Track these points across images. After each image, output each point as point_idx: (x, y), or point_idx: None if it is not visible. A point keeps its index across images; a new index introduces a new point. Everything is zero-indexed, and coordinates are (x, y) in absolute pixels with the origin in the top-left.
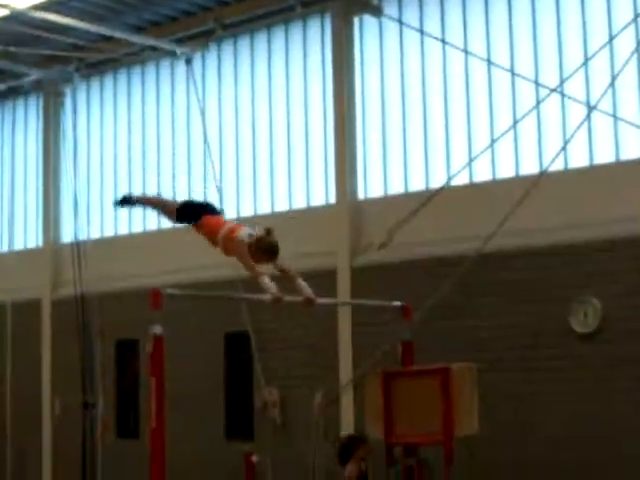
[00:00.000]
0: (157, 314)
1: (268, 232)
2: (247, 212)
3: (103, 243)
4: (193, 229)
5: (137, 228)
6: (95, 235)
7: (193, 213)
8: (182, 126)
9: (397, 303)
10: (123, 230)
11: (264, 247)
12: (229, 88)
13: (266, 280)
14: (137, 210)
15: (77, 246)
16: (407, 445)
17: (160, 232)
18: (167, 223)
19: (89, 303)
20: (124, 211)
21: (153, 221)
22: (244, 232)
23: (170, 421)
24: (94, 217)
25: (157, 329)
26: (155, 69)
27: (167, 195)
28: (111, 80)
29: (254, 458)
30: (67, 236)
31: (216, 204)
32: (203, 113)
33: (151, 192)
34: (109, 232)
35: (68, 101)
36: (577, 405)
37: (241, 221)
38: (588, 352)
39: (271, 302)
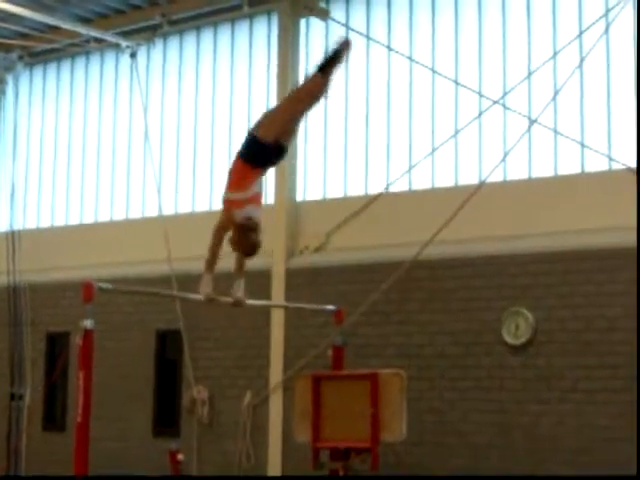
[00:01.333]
0: (89, 307)
1: (255, 229)
2: (185, 209)
3: (38, 233)
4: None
5: (73, 220)
6: (31, 225)
7: (257, 153)
8: (124, 120)
9: (330, 307)
10: (59, 221)
11: (246, 243)
12: (172, 84)
13: (207, 277)
14: (73, 202)
15: (12, 235)
16: (334, 449)
17: (96, 225)
18: (104, 216)
19: (21, 293)
20: (60, 202)
21: (89, 214)
22: (244, 211)
23: (97, 415)
24: (30, 207)
25: (88, 323)
26: (99, 61)
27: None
28: (54, 70)
29: (180, 456)
30: (2, 225)
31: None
32: (145, 108)
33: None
34: (45, 223)
35: (9, 89)
36: (504, 415)
37: (178, 218)
38: (517, 364)
39: (203, 300)
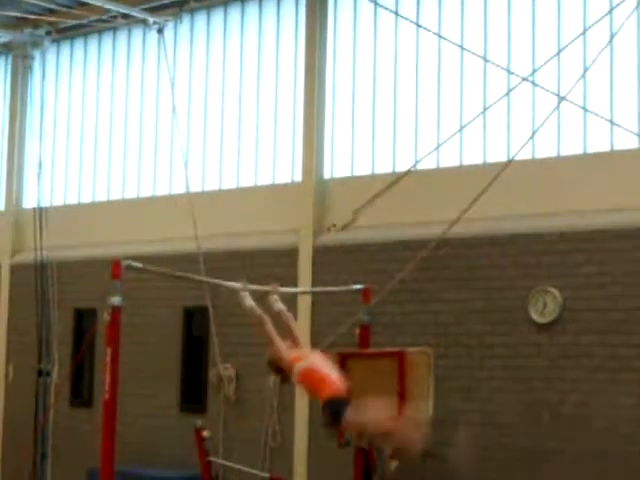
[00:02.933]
0: (116, 284)
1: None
2: (212, 186)
3: (66, 210)
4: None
5: (101, 197)
6: (58, 202)
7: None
8: (151, 96)
9: (357, 286)
10: (86, 198)
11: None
12: (200, 60)
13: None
14: (100, 178)
15: (39, 212)
16: None
17: (123, 202)
18: (130, 193)
19: (49, 270)
20: (88, 178)
21: (117, 190)
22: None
23: (124, 392)
24: (58, 183)
25: (116, 300)
26: (127, 37)
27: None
28: (81, 46)
29: (205, 433)
30: (30, 201)
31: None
32: (173, 84)
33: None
34: (72, 199)
35: (37, 65)
36: (530, 393)
37: (205, 195)
38: (544, 342)
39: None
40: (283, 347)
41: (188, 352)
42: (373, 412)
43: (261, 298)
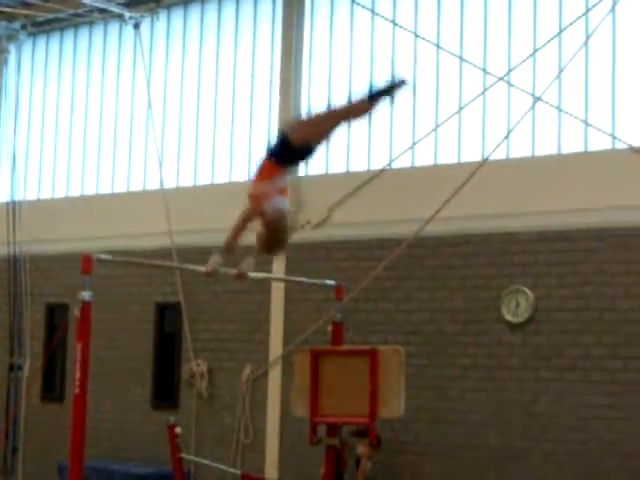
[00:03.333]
0: (87, 279)
1: (286, 227)
2: (187, 182)
3: (39, 204)
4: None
5: (74, 191)
6: (32, 196)
7: (285, 154)
8: (126, 91)
9: (330, 282)
10: (60, 193)
11: (276, 240)
12: (176, 56)
13: (217, 258)
14: (75, 173)
15: (12, 206)
16: (331, 425)
17: (97, 197)
18: (105, 188)
19: (21, 264)
20: (61, 173)
21: (91, 185)
22: (273, 203)
23: (96, 388)
24: (32, 177)
25: (86, 294)
26: (103, 32)
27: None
28: (57, 40)
29: (178, 429)
30: (3, 195)
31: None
32: (148, 80)
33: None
34: (46, 194)
35: (12, 59)
36: (502, 393)
37: (179, 191)
38: (516, 342)
39: (203, 274)
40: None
41: (160, 348)
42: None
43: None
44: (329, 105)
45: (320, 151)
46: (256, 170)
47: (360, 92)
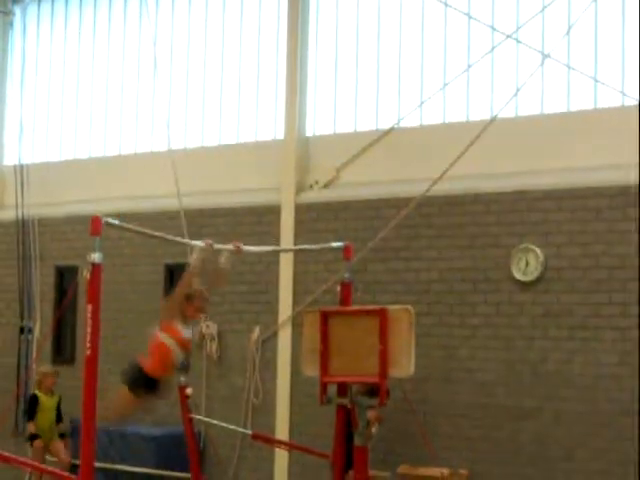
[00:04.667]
0: (97, 241)
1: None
2: (194, 143)
3: (47, 167)
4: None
5: (82, 154)
6: (39, 159)
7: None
8: (133, 52)
9: (338, 244)
10: (68, 155)
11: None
12: (182, 16)
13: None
14: (82, 135)
15: (20, 169)
16: (341, 384)
17: (105, 159)
18: (112, 150)
19: (30, 227)
20: (69, 135)
21: (98, 147)
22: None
23: (106, 350)
24: (39, 140)
25: (96, 257)
26: None
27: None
28: (63, 2)
29: (188, 390)
30: (10, 158)
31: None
32: (154, 40)
33: None
34: (53, 156)
35: (17, 21)
36: (512, 352)
37: (187, 153)
38: (526, 300)
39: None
40: (175, 310)
41: None
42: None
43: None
44: None
45: (328, 110)
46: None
47: None
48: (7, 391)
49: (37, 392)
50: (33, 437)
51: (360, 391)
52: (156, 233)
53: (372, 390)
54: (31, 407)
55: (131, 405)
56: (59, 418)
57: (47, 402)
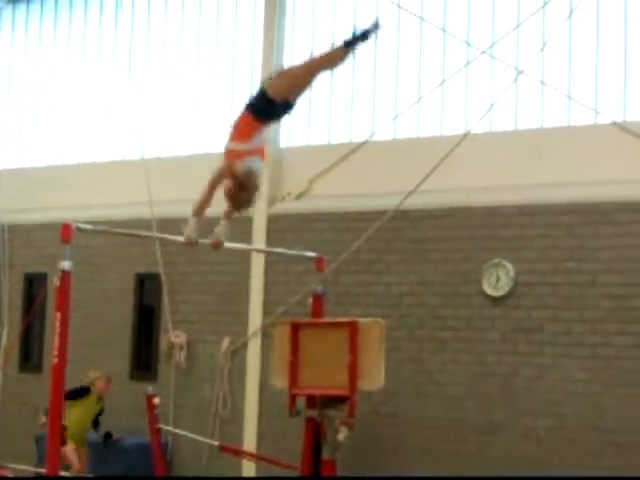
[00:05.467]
0: (67, 249)
1: (254, 188)
2: (168, 152)
3: (18, 173)
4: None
5: (54, 160)
6: (11, 164)
7: (264, 107)
8: (107, 59)
9: (311, 254)
10: (40, 161)
11: (241, 200)
12: (158, 24)
13: (194, 224)
14: (55, 142)
15: None
16: (310, 397)
17: (77, 166)
18: (85, 157)
19: (0, 234)
20: (42, 142)
21: (71, 154)
22: (246, 163)
23: (74, 359)
24: (11, 146)
25: (66, 264)
26: None
27: None
28: (38, 7)
29: (156, 400)
30: None
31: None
32: (130, 47)
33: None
34: (25, 163)
35: None
36: (482, 367)
37: (160, 161)
38: (497, 315)
39: (184, 244)
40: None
41: (139, 319)
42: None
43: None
44: (307, 56)
45: (302, 123)
46: (233, 125)
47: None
48: None
49: (91, 387)
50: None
51: (325, 402)
52: (129, 231)
53: (337, 399)
54: (76, 393)
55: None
56: (96, 424)
57: (94, 405)
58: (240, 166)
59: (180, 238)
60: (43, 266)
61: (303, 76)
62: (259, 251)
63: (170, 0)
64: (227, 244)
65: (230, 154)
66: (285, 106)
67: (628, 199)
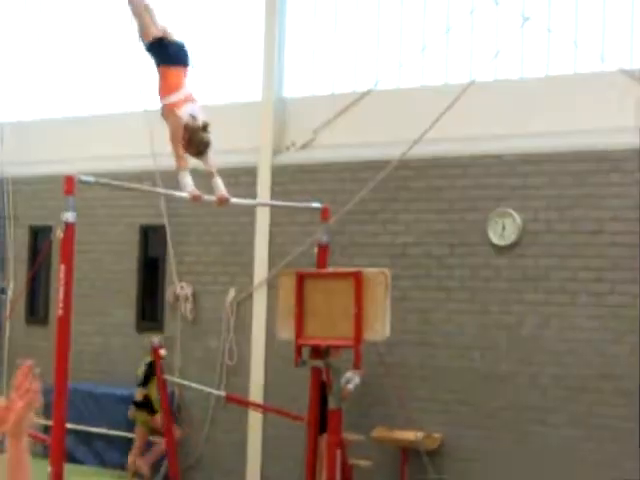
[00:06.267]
0: (70, 200)
1: (204, 127)
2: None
3: (21, 126)
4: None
5: (57, 113)
6: (12, 118)
7: (162, 53)
8: (107, 8)
9: (316, 205)
10: (43, 114)
11: (196, 141)
12: None
13: (186, 177)
14: (57, 94)
15: None
16: (316, 347)
17: (80, 118)
18: (88, 110)
19: (4, 187)
20: (44, 94)
21: (72, 106)
22: (186, 110)
23: (80, 311)
24: (12, 99)
25: (69, 216)
26: None
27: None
28: None
29: (162, 351)
30: None
31: (189, 53)
32: None
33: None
34: (28, 115)
35: None
36: (488, 316)
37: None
38: (503, 264)
39: (190, 199)
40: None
41: (144, 271)
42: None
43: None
44: None
45: (305, 72)
46: (158, 85)
47: None
48: None
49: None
50: (139, 405)
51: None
52: (132, 185)
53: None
54: (147, 372)
55: None
56: None
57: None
58: (182, 113)
59: (184, 194)
60: (47, 219)
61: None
62: (264, 205)
63: None
64: (233, 199)
65: (168, 109)
66: (174, 44)
67: (636, 146)
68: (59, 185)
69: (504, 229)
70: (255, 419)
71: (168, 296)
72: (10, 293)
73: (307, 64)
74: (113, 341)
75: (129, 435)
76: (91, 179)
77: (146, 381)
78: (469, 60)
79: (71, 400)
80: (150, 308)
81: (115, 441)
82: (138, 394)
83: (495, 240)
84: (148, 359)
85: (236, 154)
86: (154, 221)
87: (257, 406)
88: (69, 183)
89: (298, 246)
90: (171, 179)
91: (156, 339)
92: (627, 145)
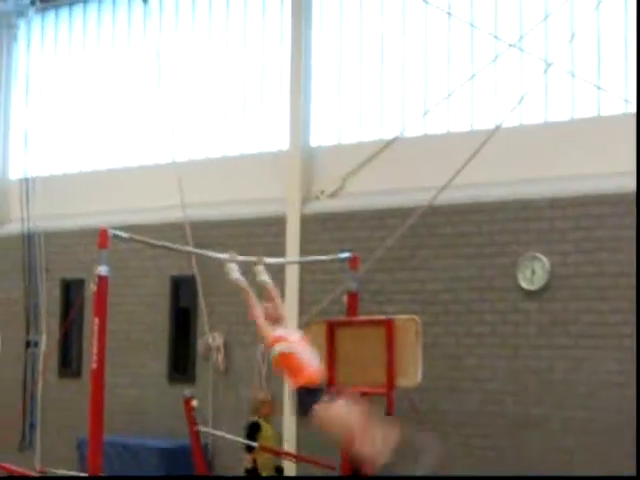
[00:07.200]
0: (103, 254)
1: None
2: (199, 155)
3: (52, 180)
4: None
5: (87, 167)
6: (45, 172)
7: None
8: (137, 65)
9: (344, 255)
10: (73, 168)
11: None
12: (185, 26)
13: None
14: (87, 148)
15: (26, 182)
16: None
17: (110, 171)
18: (117, 162)
19: (36, 240)
20: (74, 148)
21: (103, 160)
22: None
23: (112, 362)
24: (44, 153)
25: (102, 269)
26: (112, 5)
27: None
28: (66, 15)
29: (194, 402)
30: (16, 172)
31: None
32: (158, 52)
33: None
34: (59, 169)
35: (22, 34)
36: (518, 361)
37: (191, 164)
38: (532, 309)
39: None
40: (264, 323)
41: (176, 322)
42: (344, 409)
43: (248, 269)
44: None
45: (332, 121)
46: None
47: None
48: (13, 406)
49: (258, 419)
50: (250, 472)
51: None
52: (164, 243)
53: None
54: (251, 435)
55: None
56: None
57: (269, 430)
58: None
59: (218, 255)
60: (79, 272)
61: None
62: (294, 262)
63: (198, 3)
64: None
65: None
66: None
67: None
68: (89, 238)
69: (534, 274)
70: (289, 468)
71: (200, 347)
72: (43, 346)
73: (334, 112)
74: (146, 392)
75: None
76: (124, 234)
77: (252, 446)
78: (494, 106)
79: (105, 452)
80: (182, 359)
81: None
82: (248, 460)
83: (524, 285)
84: (250, 420)
85: (265, 203)
86: (184, 272)
87: (290, 455)
88: (103, 236)
89: (328, 294)
90: (200, 230)
91: (187, 391)
92: None
